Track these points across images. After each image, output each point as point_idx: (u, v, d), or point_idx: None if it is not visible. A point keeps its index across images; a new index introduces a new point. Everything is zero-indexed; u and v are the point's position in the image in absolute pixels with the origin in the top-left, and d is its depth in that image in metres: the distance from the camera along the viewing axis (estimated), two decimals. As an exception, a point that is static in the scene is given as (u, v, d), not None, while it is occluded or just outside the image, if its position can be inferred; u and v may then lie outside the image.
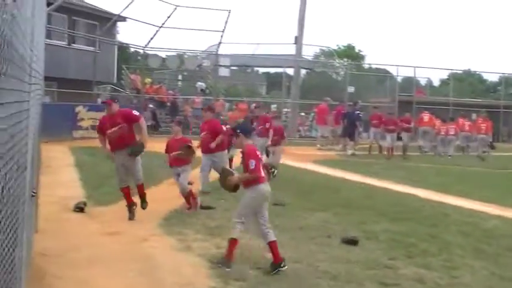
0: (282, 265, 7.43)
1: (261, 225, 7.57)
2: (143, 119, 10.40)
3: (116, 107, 10.30)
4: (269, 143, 15.60)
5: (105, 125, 10.18)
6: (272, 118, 17.93)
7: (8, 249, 3.38)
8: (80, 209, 10.54)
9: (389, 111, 27.98)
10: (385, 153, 23.98)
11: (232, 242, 7.51)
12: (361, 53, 58.75)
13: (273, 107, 37.37)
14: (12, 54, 3.03)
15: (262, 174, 7.73)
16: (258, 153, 7.88)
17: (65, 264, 7.29)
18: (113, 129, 9.91)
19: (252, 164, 7.47)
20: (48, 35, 21.90)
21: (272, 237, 7.55)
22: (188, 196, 10.90)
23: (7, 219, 3.27)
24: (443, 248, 8.89)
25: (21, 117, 4.12)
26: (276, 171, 15.29)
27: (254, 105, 25.89)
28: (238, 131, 7.87)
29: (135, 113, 10.39)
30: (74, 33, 32.25)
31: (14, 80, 3.33)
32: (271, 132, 15.83)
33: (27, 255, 5.59)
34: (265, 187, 7.63)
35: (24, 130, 4.45)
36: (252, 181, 7.55)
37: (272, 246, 7.53)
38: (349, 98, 30.86)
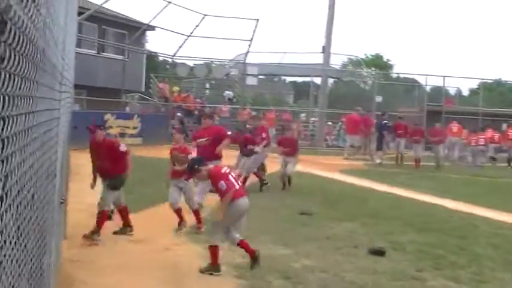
0: (256, 254, 7.63)
1: (231, 233, 7.74)
2: (130, 153, 9.59)
3: (100, 135, 9.62)
4: (257, 149, 14.96)
5: (93, 151, 9.67)
6: (286, 129, 17.70)
7: (37, 256, 3.42)
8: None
9: (418, 121, 27.71)
10: (412, 163, 23.69)
11: (213, 248, 7.63)
12: (389, 62, 58.56)
13: (302, 115, 37.34)
14: (45, 62, 3.07)
15: (237, 187, 7.77)
16: (223, 169, 7.98)
17: (93, 271, 7.35)
18: (98, 161, 9.50)
19: (222, 185, 7.58)
20: (79, 44, 22.18)
21: (239, 237, 7.73)
22: (198, 211, 10.07)
23: (37, 225, 3.30)
24: (473, 260, 8.77)
25: (52, 125, 4.17)
26: (268, 183, 15.00)
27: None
28: (196, 166, 8.02)
29: (122, 148, 9.47)
30: (103, 42, 32.63)
31: (46, 88, 3.37)
32: (264, 142, 15.26)
33: (56, 261, 5.65)
34: (242, 202, 7.72)
35: (54, 138, 4.51)
36: (234, 197, 7.64)
37: (242, 244, 7.72)
38: (377, 108, 30.70)
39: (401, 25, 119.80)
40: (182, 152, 10.02)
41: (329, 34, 32.82)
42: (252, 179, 15.12)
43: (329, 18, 32.63)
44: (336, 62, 40.07)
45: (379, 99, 32.81)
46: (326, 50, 33.08)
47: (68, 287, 6.47)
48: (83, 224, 9.33)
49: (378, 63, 53.56)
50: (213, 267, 7.52)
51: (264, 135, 15.62)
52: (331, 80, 38.43)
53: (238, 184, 7.89)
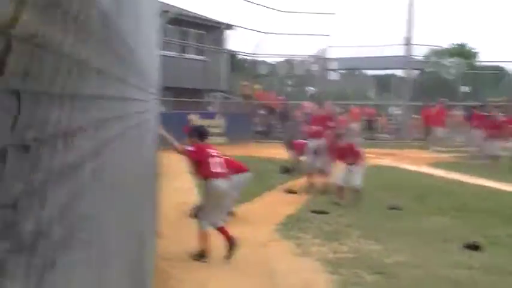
0: (235, 241, 7.79)
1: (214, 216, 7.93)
2: None
3: None
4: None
5: None
6: (338, 137, 13.16)
7: (137, 250, 3.49)
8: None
9: (506, 111, 26.40)
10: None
11: (203, 234, 7.81)
12: (473, 50, 56.75)
13: (391, 110, 36.80)
14: (135, 63, 3.13)
15: (218, 169, 7.86)
16: (212, 151, 8.07)
17: (186, 267, 7.47)
18: None
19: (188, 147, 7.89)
20: (163, 46, 22.66)
21: (221, 222, 7.95)
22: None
23: (136, 221, 3.38)
24: None
25: (142, 125, 4.26)
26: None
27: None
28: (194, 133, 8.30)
29: None
30: (185, 43, 33.20)
31: (136, 89, 3.44)
32: (326, 136, 13.53)
33: (151, 258, 5.78)
34: (218, 183, 7.84)
35: (144, 138, 4.61)
36: (206, 175, 7.86)
37: (222, 230, 7.88)
38: (464, 99, 29.85)
39: (483, 11, 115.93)
40: None
41: (410, 25, 32.16)
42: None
43: (410, 8, 31.98)
44: (418, 53, 39.17)
45: (465, 89, 31.89)
46: (408, 41, 32.42)
47: (164, 283, 6.62)
48: (174, 222, 9.50)
49: (462, 52, 51.95)
50: (201, 252, 7.74)
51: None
52: (414, 72, 37.66)
53: (221, 168, 7.93)
